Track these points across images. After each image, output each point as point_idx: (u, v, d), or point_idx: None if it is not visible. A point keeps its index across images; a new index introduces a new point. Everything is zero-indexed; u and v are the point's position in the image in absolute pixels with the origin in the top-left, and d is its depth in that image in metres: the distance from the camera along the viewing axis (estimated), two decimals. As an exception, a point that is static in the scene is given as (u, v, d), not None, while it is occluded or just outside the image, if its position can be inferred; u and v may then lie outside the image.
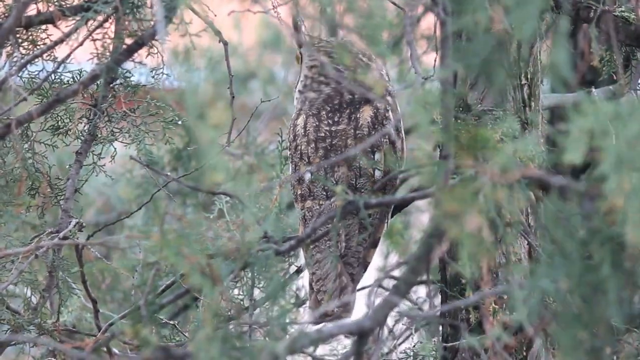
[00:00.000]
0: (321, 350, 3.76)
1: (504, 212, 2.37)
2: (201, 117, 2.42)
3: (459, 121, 3.30)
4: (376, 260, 3.46)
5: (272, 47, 6.88)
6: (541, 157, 2.80)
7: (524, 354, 3.31)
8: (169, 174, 3.44)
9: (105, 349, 3.18)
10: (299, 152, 3.38)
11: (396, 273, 4.13)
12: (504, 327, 2.51)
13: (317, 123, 3.37)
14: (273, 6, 3.43)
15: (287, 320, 2.64)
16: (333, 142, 3.34)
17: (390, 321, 3.40)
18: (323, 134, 3.35)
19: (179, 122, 3.52)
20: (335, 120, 3.36)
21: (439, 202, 2.21)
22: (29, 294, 3.51)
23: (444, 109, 2.49)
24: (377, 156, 3.34)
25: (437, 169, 2.27)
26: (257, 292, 3.01)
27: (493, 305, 3.24)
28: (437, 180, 2.25)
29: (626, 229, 2.11)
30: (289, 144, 3.43)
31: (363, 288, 3.47)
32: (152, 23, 3.16)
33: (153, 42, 3.19)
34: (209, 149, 2.42)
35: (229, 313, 2.89)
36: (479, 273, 2.44)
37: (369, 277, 3.45)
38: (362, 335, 2.58)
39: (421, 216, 5.77)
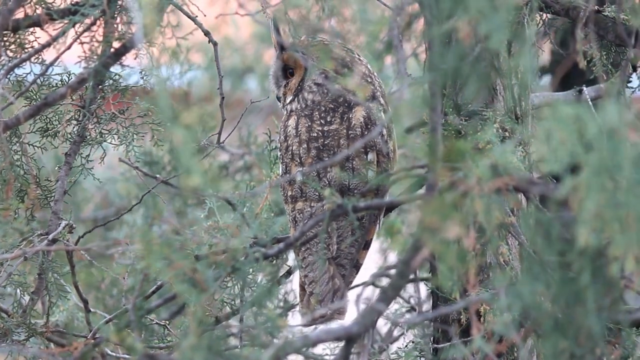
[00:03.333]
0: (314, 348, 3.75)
1: (492, 214, 2.37)
2: (174, 119, 2.41)
3: (448, 128, 3.30)
4: (375, 259, 3.46)
5: (268, 41, 6.81)
6: (522, 163, 2.79)
7: (515, 355, 3.31)
8: (158, 175, 3.41)
9: (97, 350, 3.18)
10: (290, 152, 3.37)
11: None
12: (491, 333, 2.50)
13: (310, 123, 3.36)
14: (262, 7, 3.42)
15: (275, 326, 2.63)
16: (325, 142, 3.33)
17: (381, 322, 3.39)
18: (315, 134, 3.34)
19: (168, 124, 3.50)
20: (328, 120, 3.35)
21: (417, 213, 2.20)
22: (19, 295, 3.51)
23: (432, 115, 2.48)
24: (370, 156, 3.33)
25: (422, 182, 2.26)
26: (248, 294, 3.01)
27: (483, 307, 3.24)
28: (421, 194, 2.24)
29: (578, 230, 2.11)
30: (279, 144, 3.42)
31: (356, 286, 3.47)
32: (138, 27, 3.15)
33: (136, 46, 3.17)
34: (183, 150, 2.41)
35: (215, 318, 2.88)
36: (463, 280, 2.43)
37: (361, 278, 3.45)
38: (349, 340, 2.58)
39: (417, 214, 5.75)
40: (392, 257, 5.29)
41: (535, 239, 2.12)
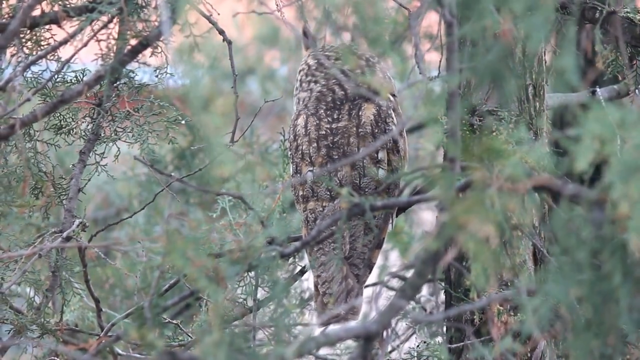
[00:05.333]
0: (323, 349, 3.76)
1: (510, 215, 2.36)
2: (205, 108, 2.41)
3: (464, 127, 3.30)
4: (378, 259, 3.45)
5: (271, 43, 6.83)
6: (549, 162, 2.79)
7: (529, 355, 3.31)
8: (173, 174, 3.41)
9: (108, 350, 3.18)
10: (300, 152, 3.36)
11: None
12: (513, 336, 2.50)
13: (318, 122, 3.35)
14: (277, 7, 3.43)
15: (292, 322, 2.63)
16: (335, 140, 3.33)
17: (392, 321, 3.38)
18: (324, 132, 3.34)
19: (182, 122, 3.51)
20: (335, 117, 3.35)
21: (447, 210, 2.20)
22: (32, 294, 3.51)
23: (451, 114, 2.48)
24: (380, 155, 3.33)
25: (444, 177, 2.26)
26: (261, 293, 3.01)
27: (497, 307, 3.24)
28: (445, 189, 2.24)
29: (630, 236, 2.11)
30: (289, 144, 3.41)
31: (368, 286, 3.47)
32: (156, 24, 3.15)
33: (157, 42, 3.18)
34: (216, 139, 2.41)
35: (233, 314, 2.88)
36: (487, 279, 2.43)
37: (373, 276, 3.45)
38: (368, 338, 2.57)
39: (422, 214, 5.75)
40: (394, 257, 5.27)
41: (566, 239, 2.12)
